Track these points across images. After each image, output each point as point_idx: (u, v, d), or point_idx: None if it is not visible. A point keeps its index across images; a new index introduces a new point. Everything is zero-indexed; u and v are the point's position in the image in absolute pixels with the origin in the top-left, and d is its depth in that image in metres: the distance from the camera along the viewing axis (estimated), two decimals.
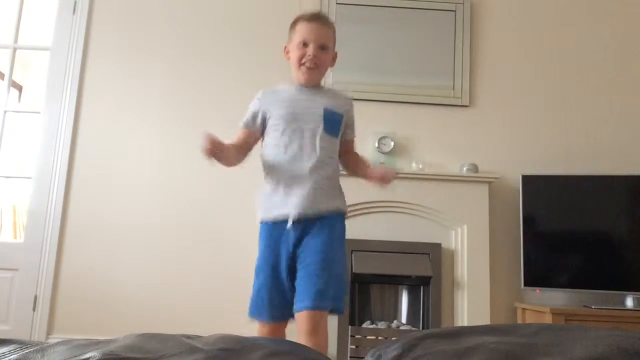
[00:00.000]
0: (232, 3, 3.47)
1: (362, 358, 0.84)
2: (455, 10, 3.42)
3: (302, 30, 1.92)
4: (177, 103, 3.36)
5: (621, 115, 3.39)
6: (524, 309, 3.04)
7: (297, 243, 1.80)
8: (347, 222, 3.09)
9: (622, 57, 3.46)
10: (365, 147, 3.29)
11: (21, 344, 0.82)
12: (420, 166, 3.19)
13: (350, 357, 2.85)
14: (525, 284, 2.99)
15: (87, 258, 3.20)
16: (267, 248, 1.85)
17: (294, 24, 2.00)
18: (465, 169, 3.19)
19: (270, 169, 1.95)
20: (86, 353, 0.74)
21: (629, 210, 3.04)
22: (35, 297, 3.15)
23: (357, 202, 3.07)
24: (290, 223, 1.80)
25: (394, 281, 3.18)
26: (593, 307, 2.81)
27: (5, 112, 3.48)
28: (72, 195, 3.26)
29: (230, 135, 3.36)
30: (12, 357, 0.76)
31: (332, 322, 2.95)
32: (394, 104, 3.35)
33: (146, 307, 3.14)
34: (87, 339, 0.83)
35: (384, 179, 1.87)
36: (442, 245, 3.07)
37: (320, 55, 1.87)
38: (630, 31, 3.49)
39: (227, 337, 0.85)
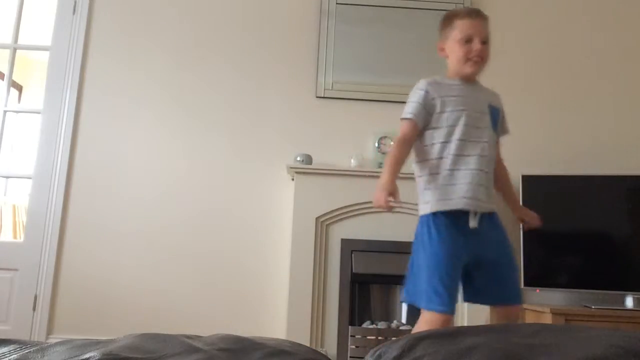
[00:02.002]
0: (232, 3, 3.47)
1: (362, 358, 0.84)
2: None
3: (464, 27, 1.94)
4: (177, 103, 3.36)
5: (621, 115, 3.39)
6: (524, 309, 3.04)
7: (475, 236, 1.82)
8: (346, 222, 3.11)
9: (622, 57, 3.46)
10: (365, 147, 3.29)
11: (21, 344, 0.82)
12: None
13: (350, 357, 2.85)
14: (525, 284, 2.99)
15: (87, 258, 3.20)
16: (448, 237, 1.81)
17: (449, 20, 2.01)
18: None
19: (438, 164, 1.91)
20: (86, 353, 0.74)
21: (629, 210, 3.03)
22: (35, 297, 3.15)
23: (357, 202, 3.07)
24: (473, 217, 1.82)
25: (394, 281, 3.17)
26: (593, 307, 2.81)
27: (5, 112, 3.48)
28: (72, 195, 3.26)
29: (231, 136, 3.38)
30: (12, 357, 0.76)
31: (332, 322, 2.95)
32: (394, 104, 3.34)
33: (146, 307, 3.14)
34: (87, 339, 0.83)
35: (532, 223, 2.02)
36: None
37: (483, 49, 1.91)
38: (631, 31, 3.49)
39: (227, 337, 0.85)
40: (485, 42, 1.92)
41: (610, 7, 3.52)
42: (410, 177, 3.12)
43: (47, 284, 3.16)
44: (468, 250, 1.82)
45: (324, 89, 3.35)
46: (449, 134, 1.87)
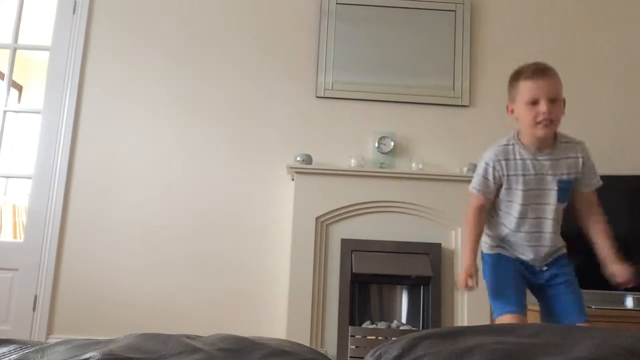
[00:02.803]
0: (232, 3, 3.47)
1: (362, 358, 0.84)
2: (455, 10, 3.43)
3: (529, 89, 1.86)
4: (177, 103, 3.36)
5: (621, 115, 3.39)
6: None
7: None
8: (346, 222, 3.11)
9: (622, 57, 3.46)
10: (366, 147, 3.29)
11: (21, 344, 0.82)
12: (420, 166, 3.19)
13: (350, 357, 2.85)
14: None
15: (87, 258, 3.19)
16: (502, 262, 2.01)
17: (515, 81, 1.93)
18: (465, 169, 3.19)
19: (503, 232, 2.02)
20: (86, 353, 0.74)
21: (629, 210, 3.03)
22: (35, 297, 3.15)
23: (357, 202, 3.07)
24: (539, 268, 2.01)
25: (394, 281, 3.17)
26: (593, 307, 2.81)
27: (5, 112, 3.48)
28: (72, 195, 3.26)
29: (231, 136, 3.38)
30: (12, 357, 0.76)
31: (332, 322, 2.95)
32: (394, 104, 3.35)
33: (146, 307, 3.14)
34: (87, 339, 0.83)
35: (621, 278, 1.99)
36: (442, 245, 3.07)
37: (552, 109, 1.83)
38: (631, 31, 3.49)
39: (227, 337, 0.85)
40: (554, 100, 1.83)
41: (611, 7, 3.52)
42: (411, 177, 3.14)
43: (47, 284, 3.16)
44: (528, 276, 2.00)
45: (324, 89, 3.35)
46: (510, 208, 1.95)
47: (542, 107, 1.81)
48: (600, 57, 3.46)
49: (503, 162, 1.92)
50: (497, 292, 1.99)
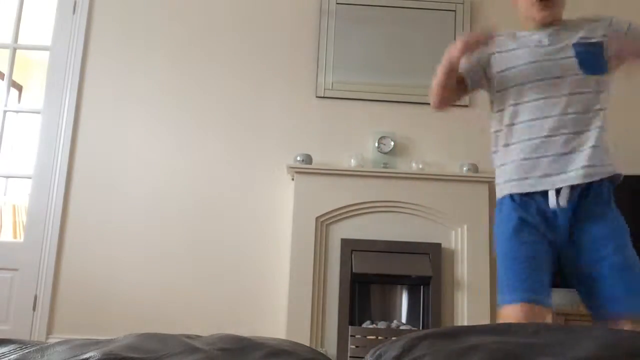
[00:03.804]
0: (232, 3, 3.47)
1: (362, 358, 0.84)
2: (455, 10, 3.42)
3: None
4: (177, 103, 3.36)
5: (621, 116, 3.39)
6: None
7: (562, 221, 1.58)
8: (346, 222, 3.11)
9: None
10: (365, 147, 3.29)
11: (21, 344, 0.82)
12: (420, 166, 3.19)
13: (350, 357, 2.85)
14: None
15: (87, 258, 3.19)
16: (515, 220, 1.59)
17: None
18: (465, 169, 3.19)
19: (503, 137, 1.64)
20: (86, 353, 0.74)
21: (629, 210, 3.03)
22: (35, 297, 3.15)
23: (357, 202, 3.07)
24: (553, 195, 1.53)
25: (394, 281, 3.18)
26: None
27: (5, 112, 3.48)
28: (72, 195, 3.26)
29: (231, 136, 3.38)
30: (12, 357, 0.76)
31: (333, 322, 2.95)
32: (394, 104, 3.35)
33: (146, 306, 3.14)
34: (87, 339, 0.83)
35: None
36: (442, 245, 3.07)
37: None
38: None
39: (227, 336, 0.85)
40: None
41: (611, 7, 3.52)
42: (411, 177, 3.14)
43: (47, 284, 3.15)
44: (555, 236, 1.51)
45: (324, 89, 3.35)
46: (512, 98, 1.58)
47: None
48: None
49: (503, 39, 1.65)
50: (502, 267, 1.56)
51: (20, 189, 4.57)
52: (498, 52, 1.64)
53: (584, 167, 1.50)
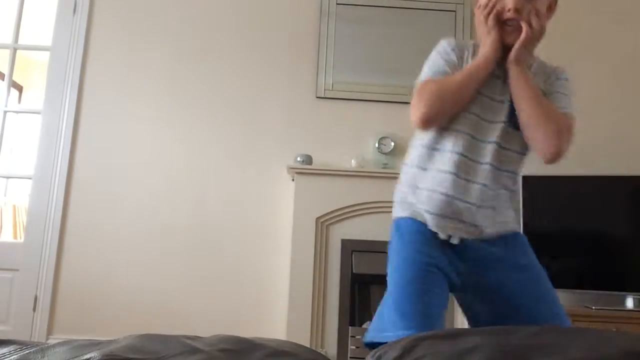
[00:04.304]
0: (232, 3, 3.47)
1: (363, 359, 0.84)
2: (455, 11, 3.43)
3: None
4: (177, 103, 3.36)
5: (621, 115, 3.39)
6: None
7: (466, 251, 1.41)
8: (346, 222, 3.11)
9: (622, 57, 3.46)
10: (366, 147, 3.29)
11: (21, 344, 0.82)
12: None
13: (350, 357, 2.85)
14: None
15: (87, 258, 3.19)
16: (416, 242, 1.43)
17: None
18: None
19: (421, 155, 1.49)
20: (86, 354, 0.74)
21: (629, 210, 3.03)
22: (35, 297, 3.15)
23: (358, 202, 3.07)
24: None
25: None
26: (593, 307, 2.81)
27: (5, 112, 3.48)
28: (72, 195, 3.26)
29: (231, 136, 3.38)
30: (12, 357, 0.76)
31: (333, 323, 2.95)
32: (395, 104, 3.35)
33: (147, 307, 3.14)
34: (87, 340, 0.83)
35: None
36: None
37: (524, 7, 1.34)
38: (631, 30, 3.49)
39: (227, 337, 0.85)
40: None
41: (611, 6, 3.52)
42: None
43: (47, 284, 3.15)
44: (453, 265, 1.33)
45: (324, 90, 3.35)
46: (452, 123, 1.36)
47: (509, 1, 1.32)
48: (600, 56, 3.46)
49: (460, 53, 1.46)
50: (397, 291, 1.33)
51: (21, 189, 4.57)
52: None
53: None
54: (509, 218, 1.39)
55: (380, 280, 3.18)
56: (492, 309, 1.35)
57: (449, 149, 1.36)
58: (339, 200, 3.06)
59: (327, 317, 2.95)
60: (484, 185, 1.33)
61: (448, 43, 1.49)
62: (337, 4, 3.41)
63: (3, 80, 3.63)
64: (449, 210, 1.32)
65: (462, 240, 1.34)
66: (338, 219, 3.07)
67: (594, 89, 3.42)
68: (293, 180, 3.12)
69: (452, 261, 1.34)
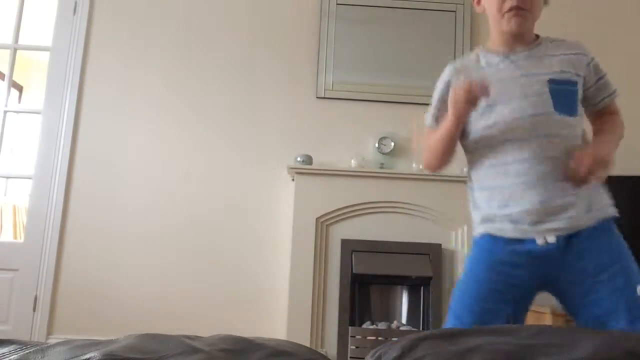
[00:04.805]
0: (232, 3, 3.47)
1: (363, 358, 0.84)
2: (455, 11, 3.43)
3: None
4: (177, 103, 3.36)
5: (623, 115, 3.39)
6: None
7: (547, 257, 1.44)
8: (346, 222, 3.11)
9: (622, 56, 3.46)
10: (366, 147, 3.29)
11: (21, 344, 0.82)
12: (421, 167, 3.19)
13: (350, 357, 2.85)
14: None
15: (87, 258, 3.19)
16: (485, 257, 1.48)
17: None
18: (465, 169, 3.18)
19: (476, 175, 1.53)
20: (86, 354, 0.74)
21: (629, 210, 3.03)
22: (35, 297, 3.15)
23: (357, 202, 3.07)
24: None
25: (394, 281, 3.17)
26: None
27: (5, 112, 3.48)
28: (72, 195, 3.26)
29: (231, 137, 3.38)
30: (12, 357, 0.76)
31: (333, 323, 2.95)
32: (394, 104, 3.35)
33: (147, 307, 3.14)
34: (87, 340, 0.83)
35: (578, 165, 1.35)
36: (442, 246, 3.07)
37: None
38: (631, 30, 3.49)
39: (228, 337, 0.85)
40: None
41: (611, 6, 3.52)
42: (411, 177, 3.14)
43: (47, 284, 3.15)
44: (533, 274, 1.38)
45: (324, 89, 3.35)
46: (484, 137, 1.43)
47: None
48: (601, 55, 3.45)
49: (463, 72, 1.49)
50: (454, 308, 1.42)
51: (21, 189, 4.57)
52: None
53: None
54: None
55: (379, 280, 3.20)
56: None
57: (518, 136, 1.43)
58: (339, 200, 3.06)
59: (327, 317, 2.95)
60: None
61: (450, 71, 1.54)
62: (337, 4, 3.41)
63: (3, 80, 3.63)
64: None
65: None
66: (338, 219, 3.07)
67: None
68: (293, 180, 3.12)
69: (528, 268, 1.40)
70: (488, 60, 1.48)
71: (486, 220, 1.45)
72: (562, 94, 1.41)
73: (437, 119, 1.52)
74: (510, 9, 1.41)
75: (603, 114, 1.57)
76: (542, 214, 1.36)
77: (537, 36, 1.52)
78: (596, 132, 1.54)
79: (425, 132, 1.57)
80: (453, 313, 1.42)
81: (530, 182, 1.36)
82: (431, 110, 1.56)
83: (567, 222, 1.36)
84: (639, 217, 3.00)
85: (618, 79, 3.62)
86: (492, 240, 1.43)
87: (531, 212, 1.36)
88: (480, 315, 1.35)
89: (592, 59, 1.53)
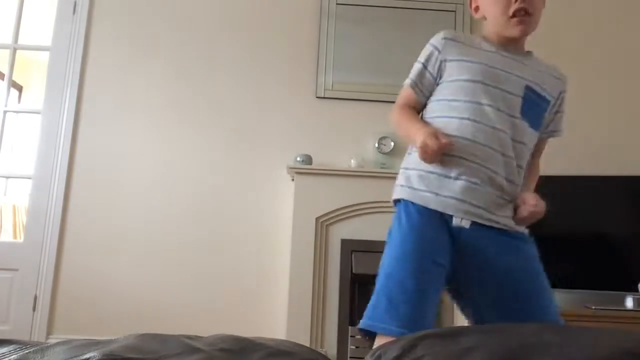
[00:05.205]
0: (232, 3, 3.47)
1: (362, 358, 0.84)
2: (455, 11, 3.43)
3: None
4: (177, 103, 3.36)
5: (621, 115, 3.39)
6: None
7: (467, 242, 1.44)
8: (346, 222, 3.11)
9: (622, 56, 3.46)
10: (366, 147, 3.29)
11: (21, 344, 0.82)
12: None
13: (350, 357, 2.85)
14: None
15: (87, 258, 3.19)
16: (420, 226, 1.44)
17: None
18: None
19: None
20: (86, 353, 0.74)
21: (629, 210, 3.03)
22: (35, 297, 3.15)
23: (357, 202, 3.07)
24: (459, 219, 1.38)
25: None
26: (593, 307, 2.81)
27: (5, 112, 3.48)
28: (72, 195, 3.26)
29: (231, 136, 3.38)
30: (12, 357, 0.76)
31: (333, 323, 2.95)
32: (394, 104, 3.34)
33: (146, 307, 3.14)
34: (87, 340, 0.83)
35: (523, 210, 1.40)
36: None
37: (530, 1, 1.38)
38: (631, 30, 3.49)
39: (227, 337, 0.85)
40: None
41: (611, 6, 3.52)
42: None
43: (47, 284, 3.15)
44: (452, 254, 1.36)
45: (324, 89, 3.35)
46: (457, 109, 1.39)
47: None
48: (600, 55, 3.46)
49: (450, 42, 1.46)
50: (386, 285, 1.36)
51: (20, 189, 4.57)
52: (454, 59, 1.45)
53: None
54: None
55: None
56: (494, 300, 1.38)
57: (486, 122, 1.42)
58: (339, 200, 3.06)
59: (327, 317, 2.95)
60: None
61: (440, 35, 1.50)
62: (337, 4, 3.41)
63: (3, 80, 3.63)
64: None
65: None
66: (338, 219, 3.07)
67: (593, 88, 3.42)
68: (293, 180, 3.12)
69: (450, 246, 1.39)
70: (481, 44, 1.48)
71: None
72: (534, 105, 1.42)
73: (416, 85, 1.51)
74: (518, 12, 1.40)
75: (535, 151, 1.52)
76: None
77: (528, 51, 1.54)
78: (528, 173, 1.51)
79: (402, 94, 1.56)
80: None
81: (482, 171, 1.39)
82: (412, 74, 1.53)
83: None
84: (638, 217, 3.00)
85: (617, 79, 3.65)
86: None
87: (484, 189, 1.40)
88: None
89: (565, 90, 1.52)
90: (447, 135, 1.34)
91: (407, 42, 3.41)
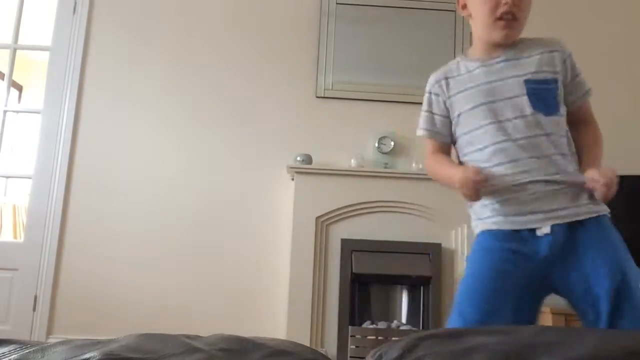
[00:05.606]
0: (232, 3, 3.47)
1: (363, 358, 0.84)
2: (455, 10, 3.42)
3: None
4: (177, 103, 3.36)
5: (621, 115, 3.39)
6: None
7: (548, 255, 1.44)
8: (346, 222, 3.11)
9: (622, 57, 3.46)
10: (365, 147, 3.29)
11: (21, 344, 0.82)
12: (421, 166, 3.19)
13: (350, 357, 2.85)
14: None
15: (87, 258, 3.19)
16: (489, 252, 1.47)
17: None
18: None
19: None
20: (86, 353, 0.74)
21: (629, 210, 3.03)
22: (35, 297, 3.15)
23: (357, 202, 3.07)
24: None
25: (394, 281, 3.17)
26: None
27: (5, 112, 3.48)
28: (72, 195, 3.26)
29: (231, 136, 3.38)
30: (12, 357, 0.76)
31: (333, 322, 2.95)
32: (394, 104, 3.35)
33: (146, 307, 3.14)
34: (87, 339, 0.83)
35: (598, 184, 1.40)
36: (442, 245, 3.07)
37: (518, 1, 1.39)
38: (631, 30, 3.49)
39: (227, 337, 0.85)
40: None
41: (611, 6, 3.52)
42: (411, 177, 3.13)
43: (47, 284, 3.15)
44: (535, 274, 1.37)
45: (324, 89, 3.35)
46: (476, 140, 1.43)
47: None
48: (599, 55, 3.45)
49: (443, 82, 1.48)
50: (459, 306, 1.38)
51: (20, 189, 4.57)
52: (452, 95, 1.48)
53: None
54: None
55: (379, 280, 3.20)
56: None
57: (501, 139, 1.44)
58: (339, 200, 3.06)
59: (327, 317, 2.95)
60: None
61: (431, 81, 1.54)
62: (337, 3, 3.41)
63: (3, 80, 3.63)
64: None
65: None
66: (338, 218, 3.07)
67: (593, 88, 3.41)
68: (293, 179, 3.12)
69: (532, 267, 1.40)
70: (467, 67, 1.48)
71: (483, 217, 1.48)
72: (540, 94, 1.41)
73: (431, 130, 1.53)
74: (505, 14, 1.40)
75: (579, 122, 1.56)
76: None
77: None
78: (580, 147, 1.52)
79: (426, 145, 1.57)
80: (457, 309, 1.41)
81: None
82: (421, 123, 1.55)
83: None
84: (638, 217, 3.00)
85: (617, 79, 3.64)
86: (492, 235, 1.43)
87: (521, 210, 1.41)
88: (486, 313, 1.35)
89: (569, 55, 1.50)
90: (481, 169, 1.37)
91: (407, 42, 3.41)
